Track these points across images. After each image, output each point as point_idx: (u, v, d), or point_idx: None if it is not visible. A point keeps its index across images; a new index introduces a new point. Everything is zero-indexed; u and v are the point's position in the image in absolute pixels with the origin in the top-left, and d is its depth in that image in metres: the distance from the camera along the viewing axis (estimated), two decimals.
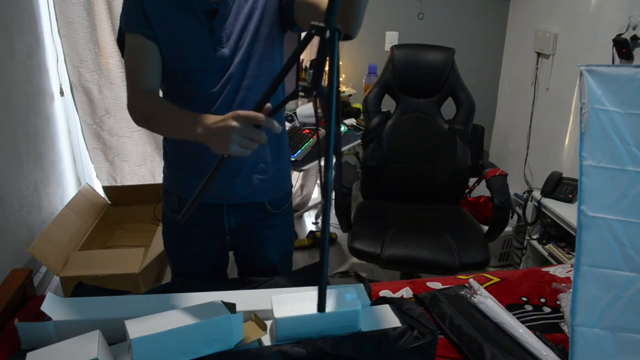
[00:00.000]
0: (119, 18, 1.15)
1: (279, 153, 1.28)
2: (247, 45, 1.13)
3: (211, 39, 1.11)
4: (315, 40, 0.75)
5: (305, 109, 2.77)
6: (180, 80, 1.15)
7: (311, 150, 2.35)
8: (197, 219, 1.26)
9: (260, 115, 0.90)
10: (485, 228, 2.05)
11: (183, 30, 1.10)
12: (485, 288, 1.27)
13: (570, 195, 2.34)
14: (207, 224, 1.28)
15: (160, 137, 1.32)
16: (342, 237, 2.96)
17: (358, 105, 2.88)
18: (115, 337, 1.00)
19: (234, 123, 0.91)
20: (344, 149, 2.48)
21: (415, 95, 2.29)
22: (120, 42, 1.16)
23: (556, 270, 1.42)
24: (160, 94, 1.22)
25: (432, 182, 2.29)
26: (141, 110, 1.12)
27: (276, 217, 1.33)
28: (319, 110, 0.84)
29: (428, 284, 1.32)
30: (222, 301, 1.01)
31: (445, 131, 2.26)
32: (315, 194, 3.42)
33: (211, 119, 0.97)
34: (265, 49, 1.16)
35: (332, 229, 3.06)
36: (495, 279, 1.36)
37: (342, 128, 2.67)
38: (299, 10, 1.11)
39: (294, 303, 1.04)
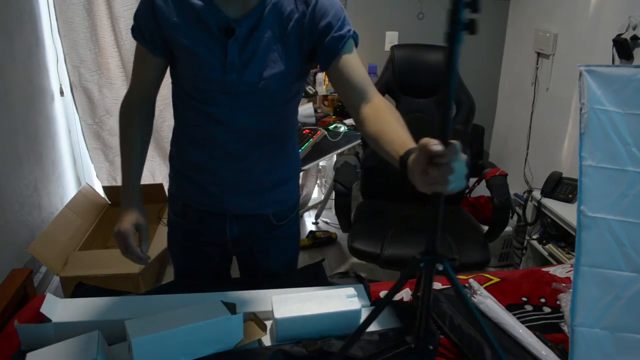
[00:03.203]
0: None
1: (287, 168, 1.25)
2: (262, 75, 1.05)
3: (222, 59, 1.03)
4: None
5: (305, 109, 2.76)
6: (189, 93, 1.11)
7: (311, 150, 2.36)
8: (200, 225, 1.25)
9: (140, 259, 1.14)
10: (485, 228, 2.05)
11: (195, 44, 1.04)
12: (485, 288, 1.27)
13: (570, 195, 2.34)
14: (209, 231, 1.26)
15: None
16: (342, 237, 2.96)
17: None
18: (115, 337, 1.00)
19: (121, 248, 1.14)
20: (343, 148, 2.48)
21: (415, 95, 2.29)
22: None
23: (556, 270, 1.42)
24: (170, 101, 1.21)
25: None
26: (120, 127, 1.20)
27: (280, 228, 1.28)
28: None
29: None
30: (222, 302, 1.01)
31: None
32: (315, 194, 3.43)
33: (122, 216, 1.16)
34: (284, 80, 1.08)
35: (332, 229, 3.06)
36: (495, 279, 1.36)
37: (342, 128, 2.67)
38: (335, 75, 1.05)
39: (294, 303, 1.04)
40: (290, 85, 1.11)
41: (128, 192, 1.19)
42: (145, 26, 1.06)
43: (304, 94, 2.88)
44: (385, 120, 0.97)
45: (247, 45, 1.03)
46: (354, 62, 1.05)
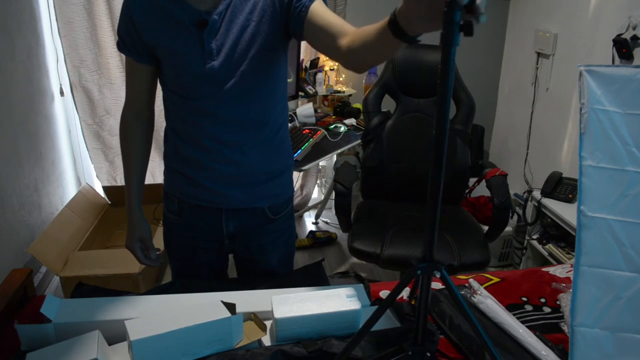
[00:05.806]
0: (118, 19, 1.15)
1: (280, 160, 1.26)
2: (240, 59, 1.08)
3: (201, 51, 1.07)
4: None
5: (305, 109, 2.76)
6: (175, 90, 1.15)
7: (311, 150, 2.36)
8: (196, 221, 1.27)
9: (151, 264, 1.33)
10: (485, 228, 2.05)
11: (174, 43, 1.08)
12: (485, 288, 1.27)
13: (570, 195, 2.34)
14: (205, 227, 1.27)
15: (161, 138, 1.33)
16: (342, 237, 2.96)
17: (358, 105, 2.88)
18: (115, 337, 1.00)
19: (132, 251, 1.30)
20: (343, 148, 2.48)
21: (415, 95, 2.29)
22: None
23: (556, 270, 1.42)
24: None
25: None
26: (120, 142, 1.27)
27: (276, 222, 1.30)
28: None
29: None
30: (222, 302, 1.01)
31: None
32: (315, 194, 3.43)
33: (128, 231, 1.29)
34: (262, 62, 1.10)
35: (332, 229, 3.06)
36: (495, 279, 1.36)
37: (342, 128, 2.67)
38: (310, 30, 1.04)
39: (294, 303, 1.04)
40: (270, 68, 1.14)
41: (130, 205, 1.29)
42: (127, 37, 1.13)
43: (303, 94, 2.88)
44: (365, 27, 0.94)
45: (221, 33, 1.07)
46: (325, 10, 1.03)
